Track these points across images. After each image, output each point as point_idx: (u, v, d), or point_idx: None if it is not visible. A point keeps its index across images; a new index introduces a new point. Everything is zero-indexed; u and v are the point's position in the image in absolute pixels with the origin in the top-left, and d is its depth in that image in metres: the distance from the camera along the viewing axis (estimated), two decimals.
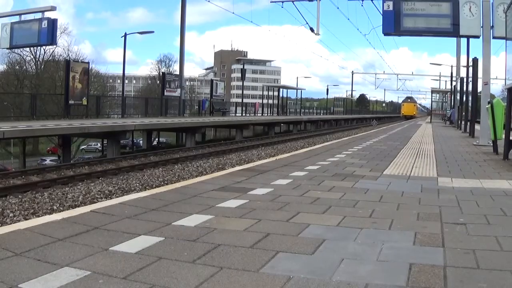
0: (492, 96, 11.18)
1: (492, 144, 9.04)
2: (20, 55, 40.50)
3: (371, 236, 2.75)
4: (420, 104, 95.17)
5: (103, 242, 2.53)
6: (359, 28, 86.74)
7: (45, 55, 41.73)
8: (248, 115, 39.09)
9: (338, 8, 37.23)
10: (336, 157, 7.39)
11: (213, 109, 32.58)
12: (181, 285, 1.96)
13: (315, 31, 19.27)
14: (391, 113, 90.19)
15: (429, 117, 45.68)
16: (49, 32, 16.19)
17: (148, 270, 2.13)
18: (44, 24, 16.10)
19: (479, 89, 14.13)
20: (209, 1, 22.50)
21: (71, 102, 20.55)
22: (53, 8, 16.40)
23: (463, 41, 21.30)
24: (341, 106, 71.10)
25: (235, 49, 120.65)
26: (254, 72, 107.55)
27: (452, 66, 31.06)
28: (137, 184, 10.49)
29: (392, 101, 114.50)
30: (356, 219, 3.17)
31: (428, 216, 3.29)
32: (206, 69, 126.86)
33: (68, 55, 41.25)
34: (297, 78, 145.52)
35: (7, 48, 20.96)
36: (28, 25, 16.67)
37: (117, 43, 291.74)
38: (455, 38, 22.08)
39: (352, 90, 79.57)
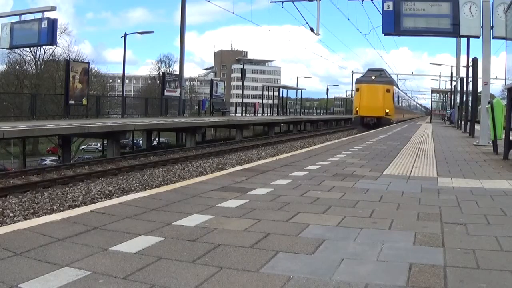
0: (492, 96, 11.18)
1: (492, 144, 9.04)
2: (20, 55, 40.56)
3: (371, 236, 2.75)
4: (412, 97, 61.35)
5: (103, 242, 2.53)
6: (359, 28, 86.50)
7: (45, 55, 41.81)
8: (248, 115, 39.09)
9: (338, 8, 37.20)
10: (336, 157, 7.38)
11: (213, 109, 32.58)
12: (181, 285, 1.96)
13: (315, 31, 19.28)
14: None
15: (429, 117, 45.46)
16: (49, 32, 16.19)
17: (148, 270, 2.13)
18: (44, 24, 16.10)
19: (479, 89, 14.14)
20: (209, 1, 22.49)
21: (71, 102, 20.55)
22: (53, 8, 16.39)
23: (463, 41, 21.33)
24: (341, 106, 70.75)
25: (235, 49, 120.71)
26: (254, 72, 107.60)
27: (452, 66, 31.09)
28: (137, 184, 10.49)
29: None
30: (356, 219, 3.17)
31: (428, 216, 3.29)
32: (206, 69, 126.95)
33: (68, 55, 41.33)
34: (297, 78, 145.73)
35: (7, 48, 20.96)
36: (28, 25, 16.67)
37: (117, 43, 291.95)
38: (455, 38, 22.11)
39: (352, 90, 79.22)
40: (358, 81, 30.03)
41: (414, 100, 67.53)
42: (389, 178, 5.22)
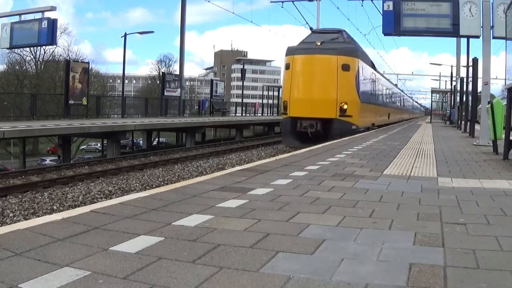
0: (492, 96, 11.18)
1: (492, 144, 9.05)
2: (20, 55, 40.63)
3: (371, 236, 2.75)
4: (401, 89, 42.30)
5: (103, 242, 2.52)
6: (359, 28, 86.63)
7: (45, 55, 41.90)
8: (248, 115, 39.11)
9: (338, 8, 37.26)
10: (336, 157, 7.38)
11: (213, 109, 32.63)
12: (181, 285, 1.96)
13: None
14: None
15: (428, 117, 45.01)
16: (49, 32, 16.21)
17: (148, 270, 2.12)
18: (44, 24, 16.13)
19: (479, 89, 14.14)
20: (209, 1, 22.53)
21: (71, 102, 20.57)
22: (53, 8, 16.42)
23: (463, 41, 21.33)
24: None
25: (235, 49, 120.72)
26: (254, 72, 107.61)
27: (452, 66, 31.10)
28: (137, 184, 10.50)
29: None
30: (356, 219, 3.17)
31: (428, 216, 3.28)
32: (206, 69, 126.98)
33: (68, 55, 41.42)
34: None
35: (7, 48, 20.98)
36: (28, 25, 16.69)
37: (117, 43, 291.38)
38: (455, 38, 22.11)
39: None
40: (291, 51, 15.73)
41: (407, 94, 51.82)
42: (389, 178, 5.22)
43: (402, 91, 42.33)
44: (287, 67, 15.67)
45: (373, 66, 20.00)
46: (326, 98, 14.83)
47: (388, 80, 30.09)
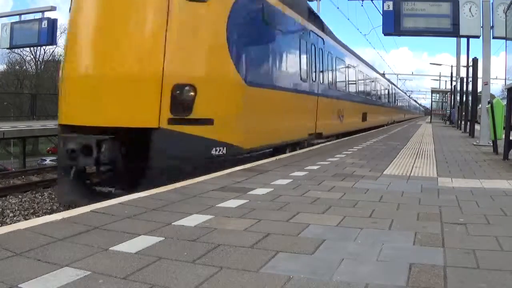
0: (492, 96, 11.18)
1: (492, 144, 9.05)
2: (20, 55, 40.66)
3: (371, 236, 2.75)
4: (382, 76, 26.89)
5: (103, 242, 2.53)
6: (359, 28, 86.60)
7: (45, 55, 41.88)
8: None
9: (338, 8, 37.20)
10: (336, 157, 7.38)
11: None
12: (181, 285, 1.96)
13: None
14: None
15: (429, 117, 44.88)
16: (49, 32, 16.22)
17: (148, 270, 2.12)
18: (44, 24, 16.13)
19: (479, 89, 14.13)
20: None
21: None
22: (53, 8, 16.44)
23: (463, 41, 21.34)
24: None
25: None
26: None
27: (452, 66, 31.05)
28: None
29: None
30: (356, 219, 3.17)
31: (428, 216, 3.28)
32: None
33: None
34: None
35: (7, 48, 20.99)
36: (28, 25, 16.71)
37: None
38: (455, 38, 22.11)
39: None
40: None
41: (400, 89, 41.21)
42: (389, 178, 5.22)
43: (392, 83, 32.52)
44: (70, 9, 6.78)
45: (318, 23, 11.27)
46: (136, 74, 5.95)
47: (365, 63, 20.11)
